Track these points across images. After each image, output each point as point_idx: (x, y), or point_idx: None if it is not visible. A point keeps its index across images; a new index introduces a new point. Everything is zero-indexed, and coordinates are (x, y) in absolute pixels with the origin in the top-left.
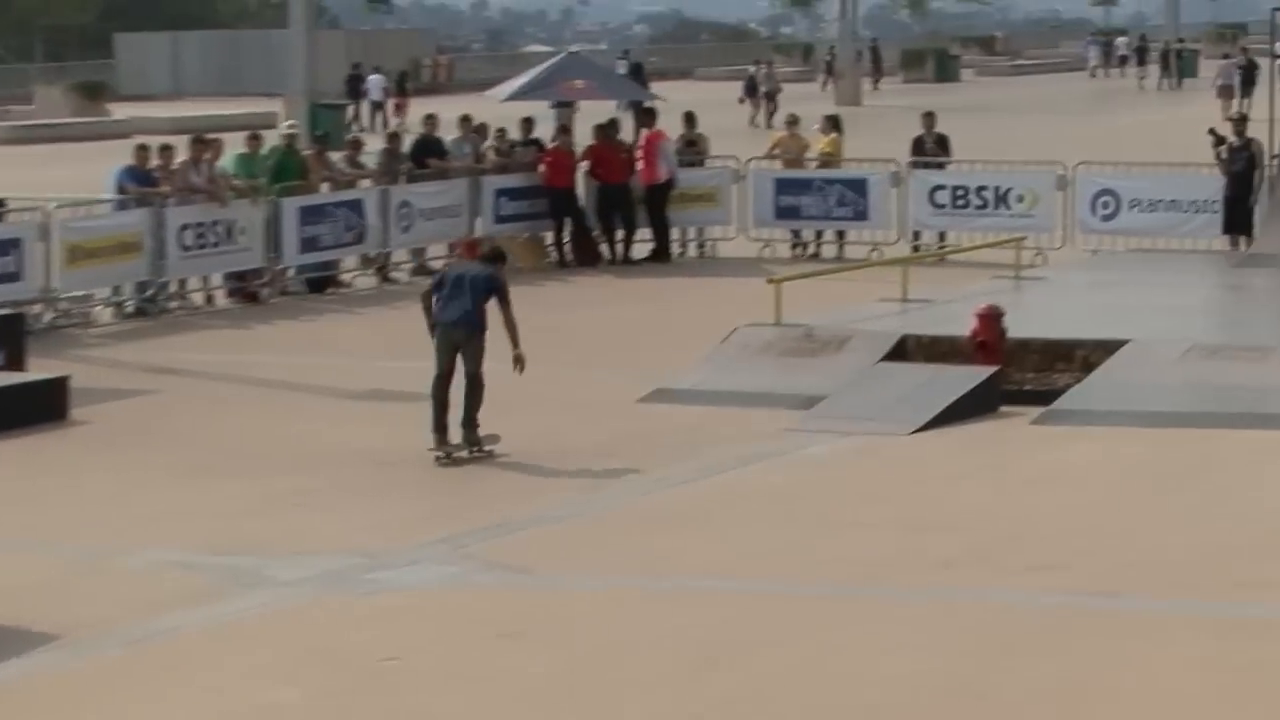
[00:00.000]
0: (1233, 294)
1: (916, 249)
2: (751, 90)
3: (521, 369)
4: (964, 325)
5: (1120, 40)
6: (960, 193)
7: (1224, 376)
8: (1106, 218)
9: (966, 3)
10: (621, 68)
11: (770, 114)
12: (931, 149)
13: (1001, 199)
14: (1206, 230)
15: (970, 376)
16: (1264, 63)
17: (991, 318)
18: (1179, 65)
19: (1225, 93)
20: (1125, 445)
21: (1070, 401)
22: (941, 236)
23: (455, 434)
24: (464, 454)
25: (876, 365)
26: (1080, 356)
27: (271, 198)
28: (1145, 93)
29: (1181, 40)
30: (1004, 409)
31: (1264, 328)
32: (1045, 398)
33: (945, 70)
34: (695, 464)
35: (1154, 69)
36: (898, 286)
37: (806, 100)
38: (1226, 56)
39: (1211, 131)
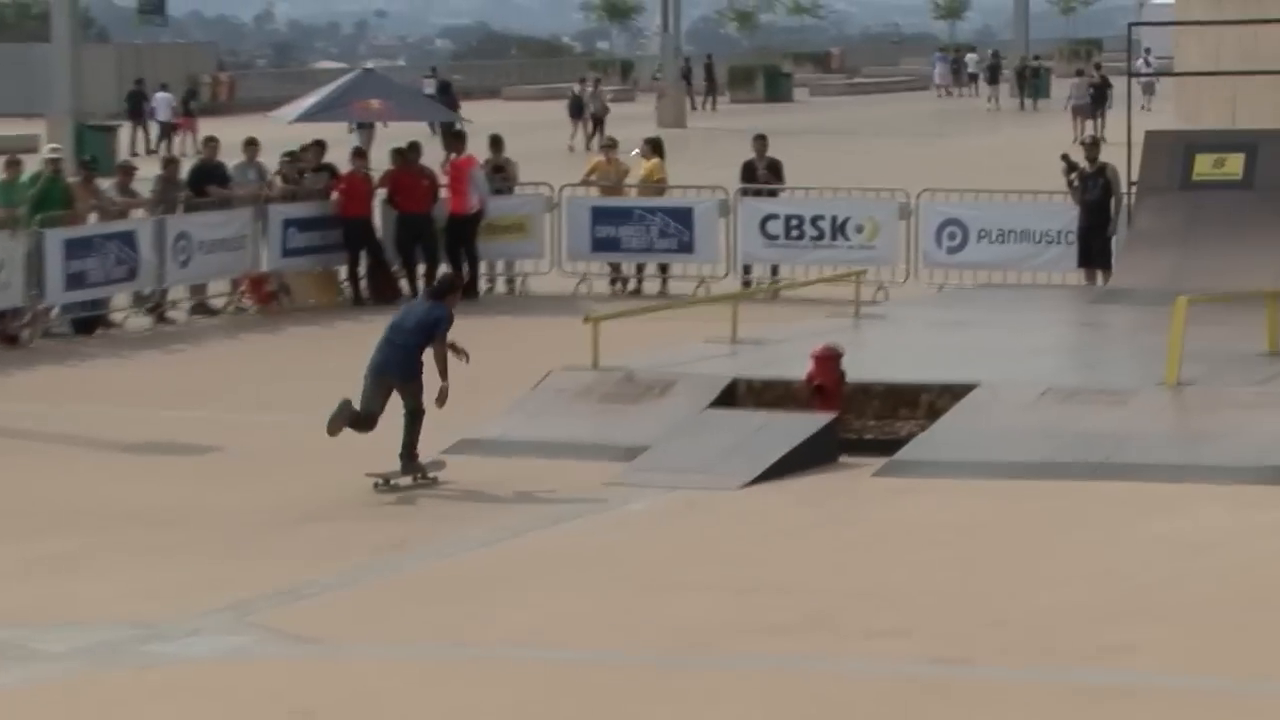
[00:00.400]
0: (1089, 332)
1: (747, 284)
2: (577, 110)
3: (443, 403)
4: (799, 368)
5: (970, 57)
6: (794, 223)
7: (1081, 422)
8: (953, 250)
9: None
10: (429, 86)
11: (589, 137)
12: (763, 175)
13: (839, 229)
14: (1061, 263)
15: (806, 424)
16: (1120, 82)
17: (829, 360)
18: (1034, 84)
19: (1078, 113)
20: (975, 498)
21: (915, 451)
22: (774, 270)
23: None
24: (405, 481)
25: (704, 412)
26: (926, 402)
27: (33, 229)
28: (997, 113)
29: (1038, 58)
30: (843, 459)
31: (1123, 368)
32: (888, 447)
33: (777, 89)
34: (504, 522)
35: (1005, 88)
36: (727, 325)
37: (630, 121)
38: (1079, 74)
39: (1064, 158)
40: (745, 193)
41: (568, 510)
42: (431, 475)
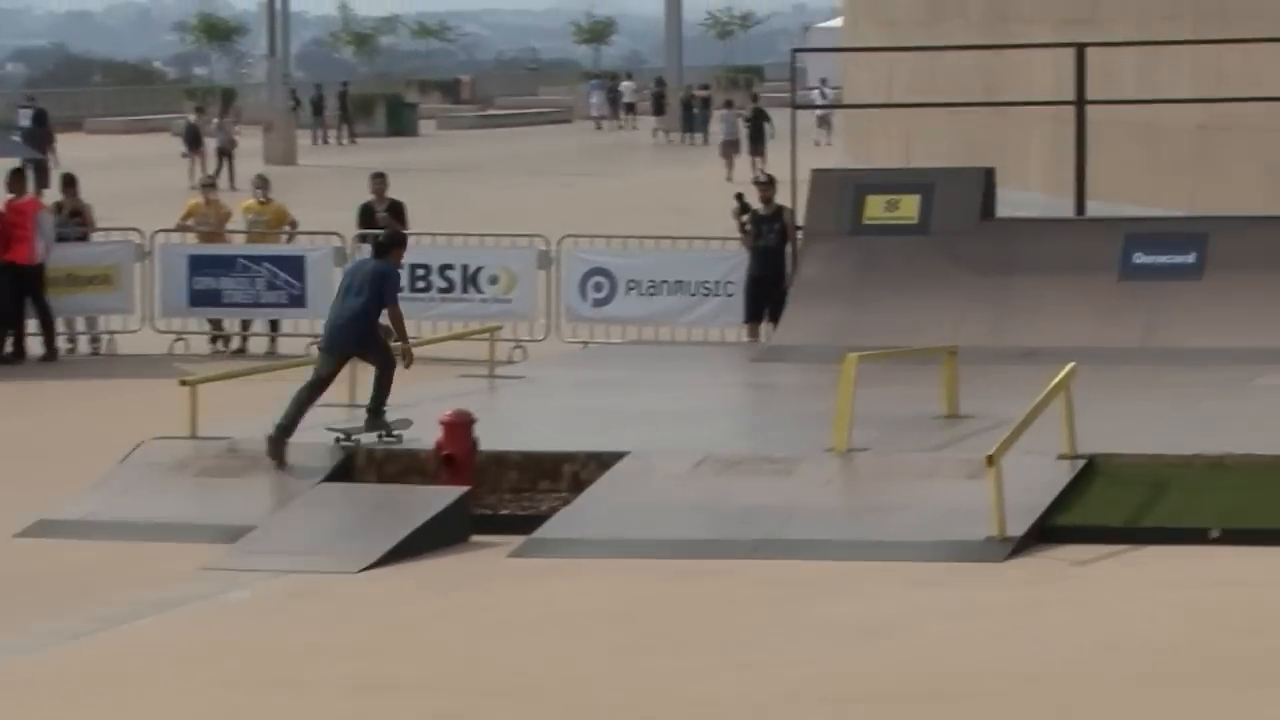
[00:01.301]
0: (751, 394)
1: None
2: (194, 142)
3: (410, 363)
4: (426, 436)
5: (625, 85)
6: (420, 273)
7: (741, 495)
8: (599, 302)
9: (425, 39)
10: (25, 117)
11: (217, 173)
12: (384, 219)
13: (471, 280)
14: (720, 317)
15: (434, 499)
16: (781, 114)
17: (460, 427)
18: (702, 115)
19: (729, 149)
20: (624, 580)
21: (557, 528)
22: None
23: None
24: (370, 438)
25: (318, 487)
26: (569, 473)
27: None
28: (659, 148)
29: (706, 87)
30: (476, 538)
31: (787, 434)
32: (527, 524)
33: (400, 121)
34: (88, 614)
35: (662, 120)
36: (344, 389)
37: (240, 157)
38: (729, 105)
39: (738, 198)
40: (364, 239)
41: (161, 599)
42: (397, 433)
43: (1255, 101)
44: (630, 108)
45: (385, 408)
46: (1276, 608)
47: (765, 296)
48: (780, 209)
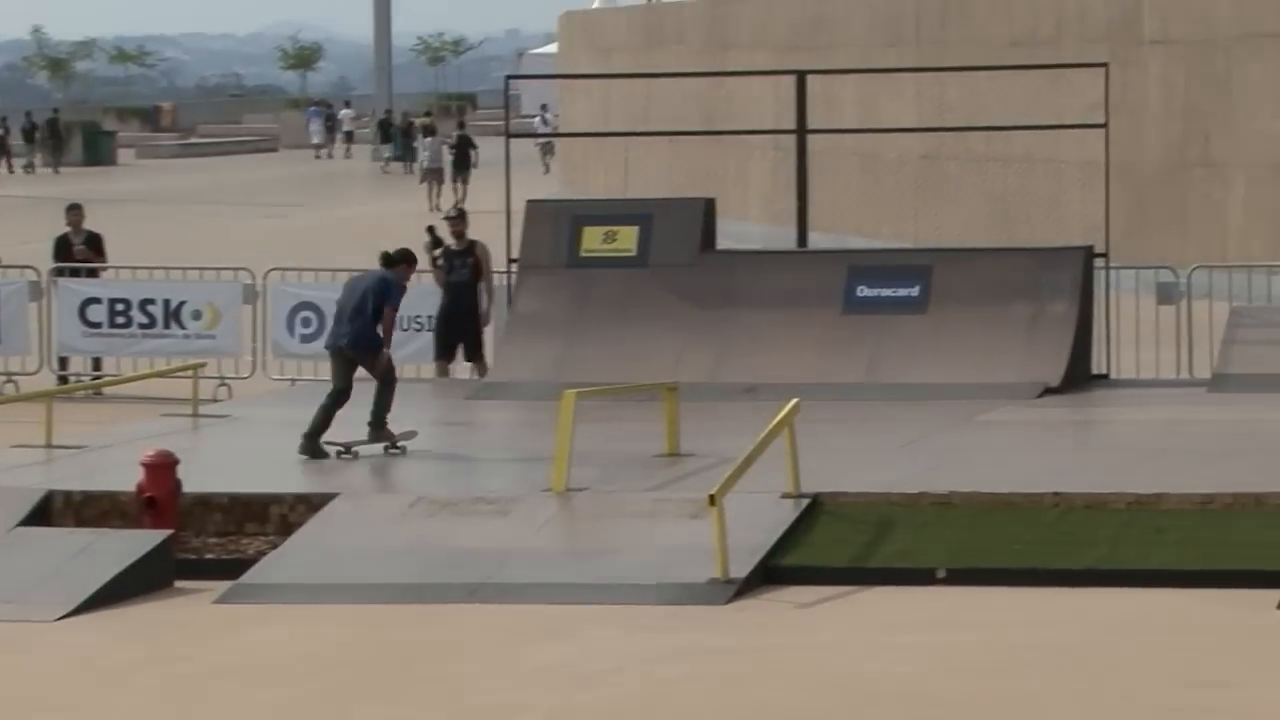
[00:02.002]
0: (466, 432)
1: (64, 380)
2: None
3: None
4: (127, 478)
5: (345, 113)
6: (120, 308)
7: (457, 537)
8: (307, 338)
9: (123, 64)
10: None
11: None
12: (80, 252)
13: (173, 316)
14: (430, 354)
15: (135, 544)
16: (490, 143)
17: (162, 468)
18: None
19: (432, 177)
20: (334, 626)
21: (265, 573)
22: (96, 364)
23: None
24: (375, 450)
25: (12, 532)
26: (277, 515)
27: None
28: (378, 177)
29: (429, 114)
30: (180, 584)
31: (504, 474)
32: (233, 568)
33: (97, 150)
34: None
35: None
36: (40, 429)
37: None
38: (429, 133)
39: (429, 231)
40: (60, 273)
41: None
42: (401, 445)
43: (977, 131)
44: (349, 135)
45: (386, 420)
46: (1004, 649)
47: (457, 333)
48: (472, 243)
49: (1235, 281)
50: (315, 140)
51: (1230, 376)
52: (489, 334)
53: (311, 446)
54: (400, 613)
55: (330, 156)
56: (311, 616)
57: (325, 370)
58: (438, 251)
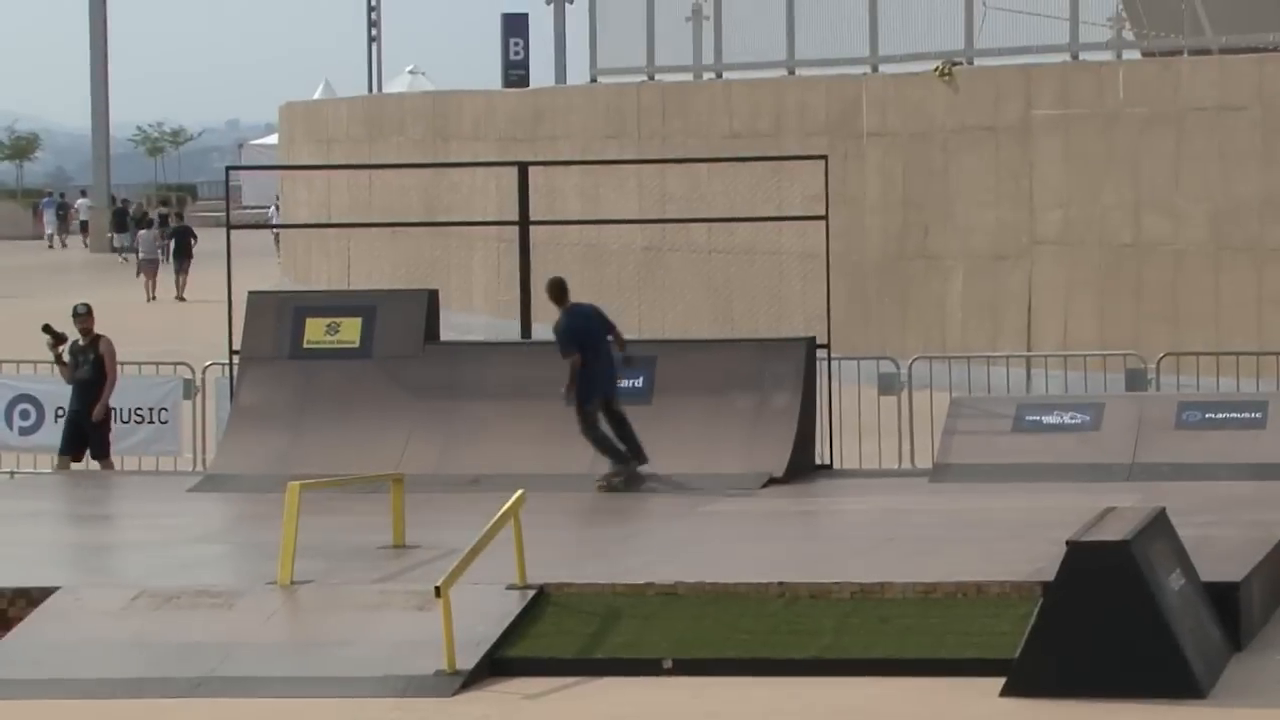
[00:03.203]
0: (189, 525)
1: None
2: None
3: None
4: None
5: (81, 202)
6: None
7: (181, 631)
8: (26, 430)
9: None
10: None
11: None
12: None
13: None
14: (154, 444)
15: None
16: (217, 233)
17: None
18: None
19: (149, 269)
20: None
21: None
22: None
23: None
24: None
25: None
26: None
27: None
28: (110, 267)
29: (166, 203)
30: None
31: (228, 567)
32: None
33: None
34: None
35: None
36: None
37: None
38: (143, 225)
39: (46, 329)
40: None
41: None
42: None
43: (697, 222)
44: (84, 225)
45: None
46: None
47: (84, 431)
48: (98, 338)
49: (955, 372)
50: (49, 230)
51: (951, 466)
52: (219, 428)
53: (630, 473)
54: (123, 708)
55: (65, 246)
56: (32, 713)
57: (44, 463)
58: (62, 349)
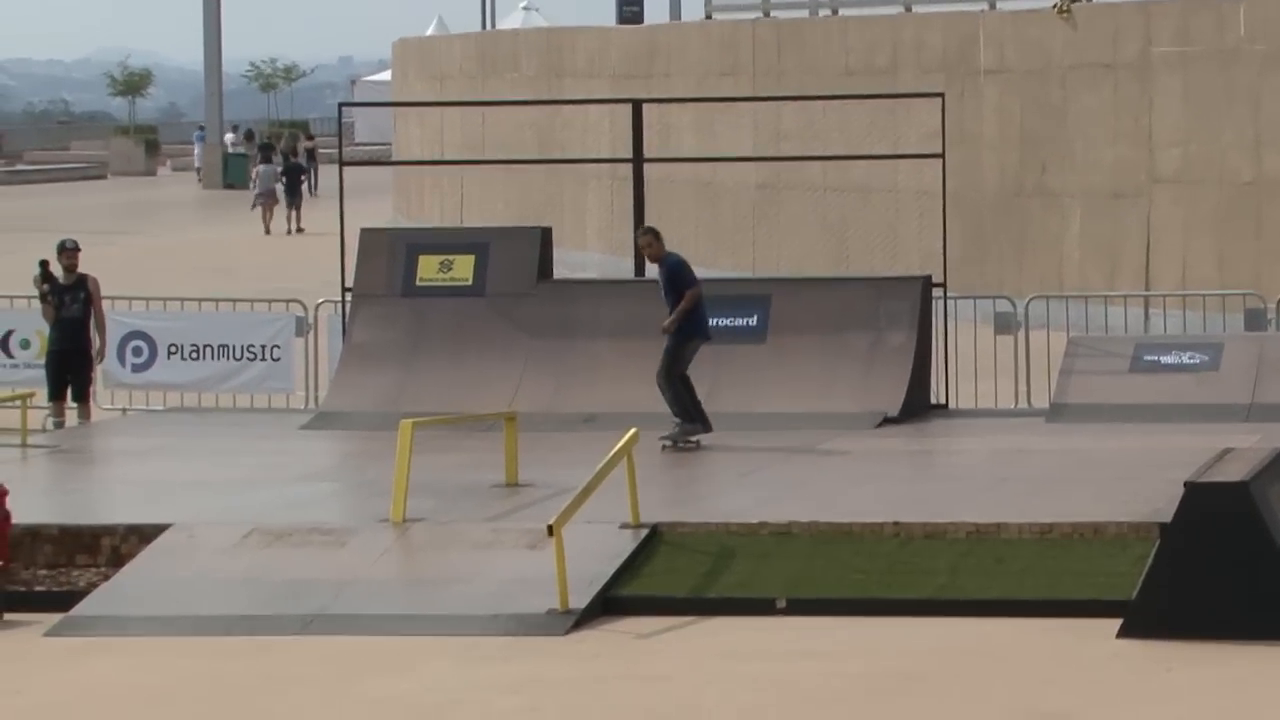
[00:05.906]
0: (302, 462)
1: None
2: None
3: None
4: None
5: (228, 137)
6: None
7: (292, 568)
8: (139, 368)
9: None
10: None
11: None
12: None
13: (1, 344)
14: (267, 382)
15: None
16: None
17: None
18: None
19: (264, 203)
20: (168, 659)
21: (96, 605)
22: None
23: None
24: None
25: None
26: (109, 546)
27: None
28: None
29: (311, 137)
30: (9, 617)
31: (341, 504)
32: (64, 600)
33: None
34: None
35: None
36: None
37: None
38: (266, 159)
39: (42, 264)
40: None
41: None
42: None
43: (812, 160)
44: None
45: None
46: (844, 679)
47: (68, 370)
48: (83, 278)
49: (1072, 311)
50: (198, 164)
51: (1068, 406)
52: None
53: (702, 420)
54: (234, 645)
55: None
56: (144, 649)
57: (158, 399)
58: (46, 286)
